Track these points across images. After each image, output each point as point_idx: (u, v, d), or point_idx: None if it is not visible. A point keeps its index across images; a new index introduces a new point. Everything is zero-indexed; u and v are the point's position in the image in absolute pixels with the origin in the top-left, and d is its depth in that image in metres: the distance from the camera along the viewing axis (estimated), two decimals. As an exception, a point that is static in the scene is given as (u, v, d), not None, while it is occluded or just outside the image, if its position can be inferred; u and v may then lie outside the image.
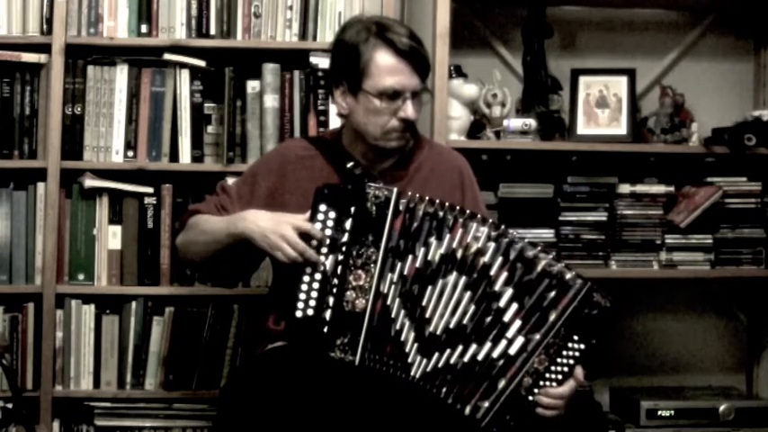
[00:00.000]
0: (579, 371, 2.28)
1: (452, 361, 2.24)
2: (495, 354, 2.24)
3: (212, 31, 3.16)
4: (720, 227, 3.36)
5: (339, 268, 2.26)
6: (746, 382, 3.62)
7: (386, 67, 2.38)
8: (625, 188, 3.34)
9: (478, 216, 2.27)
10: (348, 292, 2.25)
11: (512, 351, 2.24)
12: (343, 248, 2.26)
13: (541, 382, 2.25)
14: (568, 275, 2.24)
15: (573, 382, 2.28)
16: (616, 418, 3.35)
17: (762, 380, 3.60)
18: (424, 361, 2.24)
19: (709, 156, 3.35)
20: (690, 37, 3.61)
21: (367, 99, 2.40)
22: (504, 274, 2.24)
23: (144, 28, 3.14)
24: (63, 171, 3.09)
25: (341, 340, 2.23)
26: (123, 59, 3.13)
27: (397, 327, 2.25)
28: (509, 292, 2.24)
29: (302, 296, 2.26)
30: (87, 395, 3.12)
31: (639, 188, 3.35)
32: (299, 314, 2.25)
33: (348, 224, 2.26)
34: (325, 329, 2.24)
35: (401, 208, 2.26)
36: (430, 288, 2.25)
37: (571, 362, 2.26)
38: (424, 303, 2.25)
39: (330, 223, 2.27)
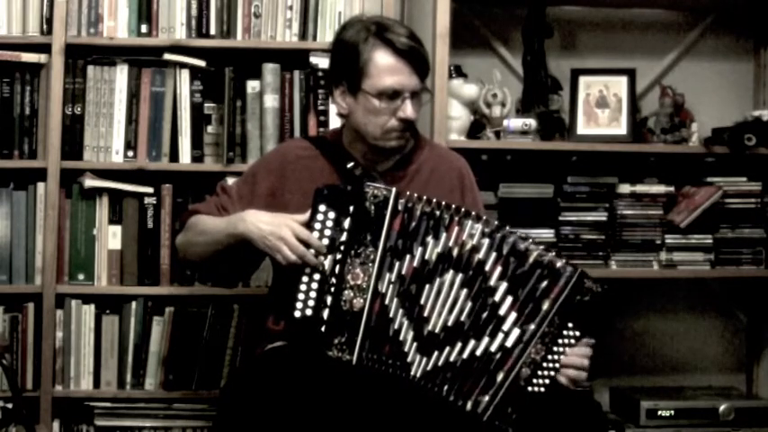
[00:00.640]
0: (586, 341, 2.29)
1: (452, 358, 2.24)
2: (493, 348, 2.24)
3: (212, 31, 3.16)
4: (720, 227, 3.36)
5: (337, 268, 2.26)
6: (746, 382, 3.62)
7: (385, 66, 2.38)
8: (625, 188, 3.34)
9: (473, 213, 2.28)
10: (346, 292, 2.25)
11: (508, 344, 2.24)
12: (342, 248, 2.26)
13: (539, 372, 2.25)
14: (559, 264, 2.24)
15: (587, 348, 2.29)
16: (616, 418, 3.35)
17: (762, 380, 3.60)
18: (424, 360, 2.25)
19: (709, 156, 3.35)
20: (690, 37, 3.61)
21: (366, 99, 2.40)
22: (499, 269, 2.24)
23: (144, 28, 3.14)
24: (63, 171, 3.09)
25: (338, 339, 2.24)
26: (123, 59, 3.13)
27: (396, 326, 2.25)
28: (503, 285, 2.24)
29: (301, 296, 2.26)
30: (87, 395, 3.12)
31: (639, 188, 3.35)
32: (297, 314, 2.26)
33: (347, 224, 2.26)
34: (323, 329, 2.24)
35: (400, 208, 2.26)
36: (428, 287, 2.25)
37: (567, 350, 2.26)
38: (422, 302, 2.25)
39: (329, 223, 2.27)
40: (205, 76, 3.15)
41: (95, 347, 3.13)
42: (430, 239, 2.25)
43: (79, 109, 3.11)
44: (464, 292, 2.25)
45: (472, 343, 2.24)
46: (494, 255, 2.25)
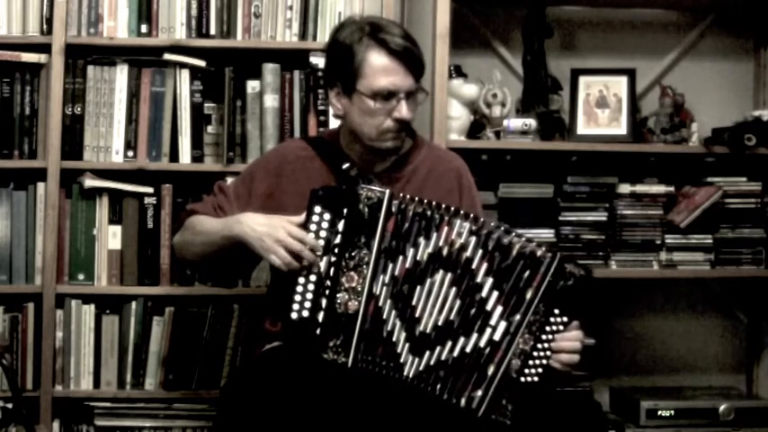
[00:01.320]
0: (574, 325, 2.28)
1: (443, 357, 2.25)
2: (482, 343, 2.25)
3: (212, 31, 3.16)
4: (720, 227, 3.36)
5: (332, 270, 2.26)
6: (746, 382, 3.62)
7: (379, 67, 2.38)
8: (625, 188, 3.34)
9: (462, 212, 2.28)
10: (340, 294, 2.25)
11: (496, 337, 2.24)
12: (336, 250, 2.26)
13: (530, 361, 2.26)
14: (539, 252, 2.24)
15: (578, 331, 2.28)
16: (616, 418, 3.35)
17: (762, 380, 3.60)
18: (416, 360, 2.25)
19: (709, 156, 3.35)
20: (690, 37, 3.61)
21: (361, 100, 2.40)
22: (485, 265, 2.25)
23: (144, 28, 3.14)
24: (63, 171, 3.09)
25: (333, 342, 2.24)
26: (123, 59, 3.13)
27: (389, 328, 2.25)
28: (489, 281, 2.25)
29: (297, 297, 2.26)
30: (87, 395, 3.12)
31: (639, 188, 3.35)
32: (294, 315, 2.26)
33: (341, 226, 2.26)
34: (318, 331, 2.24)
35: (393, 209, 2.26)
36: (419, 288, 2.25)
37: (557, 336, 2.26)
38: (413, 303, 2.25)
39: (325, 225, 2.27)
40: (205, 76, 3.15)
41: (95, 347, 3.13)
42: (422, 240, 2.26)
43: (79, 109, 3.11)
44: (453, 290, 2.25)
45: (462, 340, 2.25)
46: (480, 251, 2.25)
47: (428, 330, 2.25)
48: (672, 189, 3.36)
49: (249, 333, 3.09)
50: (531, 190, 3.30)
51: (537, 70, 3.36)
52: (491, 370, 2.24)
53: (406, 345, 2.25)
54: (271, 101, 3.14)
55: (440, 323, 2.25)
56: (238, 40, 3.17)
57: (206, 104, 3.16)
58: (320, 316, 2.25)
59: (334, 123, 3.02)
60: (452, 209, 2.27)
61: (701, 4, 3.56)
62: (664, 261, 3.34)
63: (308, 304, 2.26)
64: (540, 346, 2.26)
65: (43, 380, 3.07)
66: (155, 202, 3.14)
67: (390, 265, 2.26)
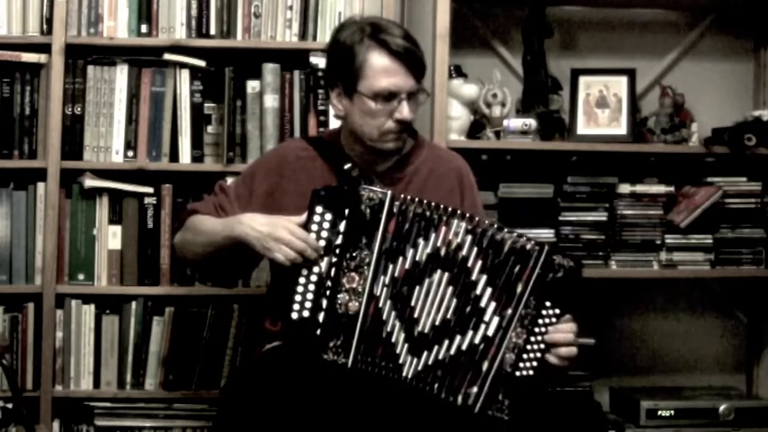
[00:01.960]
0: (566, 318, 2.28)
1: (441, 356, 2.25)
2: (477, 340, 2.25)
3: (212, 31, 3.16)
4: (720, 227, 3.36)
5: (333, 270, 2.26)
6: (746, 382, 3.63)
7: (380, 68, 2.37)
8: (625, 188, 3.34)
9: (459, 212, 2.28)
10: (341, 295, 2.25)
11: (490, 333, 2.25)
12: (338, 251, 2.26)
13: (524, 355, 2.26)
14: (528, 246, 2.25)
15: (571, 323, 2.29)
16: (616, 418, 3.35)
17: (762, 380, 3.60)
18: (415, 360, 2.25)
19: (709, 156, 3.35)
20: (690, 37, 3.61)
21: (362, 101, 2.40)
22: (479, 263, 2.25)
23: (144, 28, 3.14)
24: (63, 171, 3.09)
25: (334, 343, 2.24)
26: (123, 59, 3.13)
27: (388, 328, 2.25)
28: (484, 278, 2.25)
29: (298, 297, 2.26)
30: (87, 395, 3.12)
31: (639, 188, 3.35)
32: (294, 315, 2.26)
33: (342, 227, 2.26)
34: (318, 332, 2.24)
35: (395, 210, 2.26)
36: (417, 288, 2.26)
37: (550, 329, 2.26)
38: (412, 304, 2.26)
39: (326, 225, 2.27)
40: (205, 76, 3.15)
41: (95, 347, 3.13)
42: (421, 241, 2.26)
43: (79, 109, 3.11)
44: (450, 289, 2.25)
45: (458, 338, 2.25)
46: (475, 250, 2.25)
47: (426, 330, 2.26)
48: (672, 189, 3.36)
49: (249, 333, 3.09)
50: (531, 190, 3.30)
51: (537, 70, 3.36)
52: (485, 366, 2.25)
53: (405, 345, 2.25)
54: (271, 101, 3.14)
55: (437, 323, 2.26)
56: (238, 40, 3.17)
57: (206, 104, 3.16)
58: (321, 316, 2.25)
59: (334, 123, 3.02)
60: (450, 209, 2.27)
61: (701, 4, 3.56)
62: (664, 261, 3.34)
63: (308, 304, 2.26)
64: (533, 339, 2.26)
65: (43, 380, 3.07)
66: (155, 202, 3.14)
67: (390, 266, 2.26)
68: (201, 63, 3.13)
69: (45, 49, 3.09)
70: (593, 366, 3.34)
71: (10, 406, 3.04)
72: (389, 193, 2.27)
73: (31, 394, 3.07)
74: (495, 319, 2.25)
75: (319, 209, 2.27)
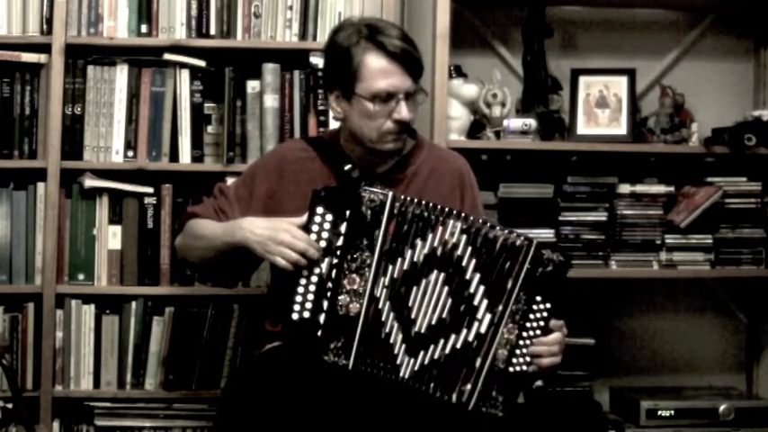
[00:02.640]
0: (555, 323, 2.29)
1: (436, 356, 2.26)
2: (470, 337, 2.26)
3: (212, 31, 3.16)
4: (720, 227, 3.36)
5: (334, 272, 2.26)
6: (746, 382, 3.63)
7: (377, 69, 2.37)
8: (625, 188, 3.34)
9: (455, 212, 2.28)
10: (342, 296, 2.25)
11: (482, 330, 2.26)
12: (338, 252, 2.26)
13: (517, 351, 2.27)
14: (518, 242, 2.26)
15: (557, 333, 2.30)
16: (616, 418, 3.35)
17: (762, 380, 3.60)
18: (412, 360, 2.26)
19: (709, 156, 3.35)
20: (690, 37, 3.61)
21: (360, 103, 2.39)
22: (474, 261, 2.26)
23: (144, 28, 3.14)
24: (63, 171, 3.09)
25: (334, 344, 2.24)
26: (123, 59, 3.13)
27: (387, 330, 2.26)
28: (477, 276, 2.26)
29: (298, 298, 2.26)
30: (87, 395, 3.12)
31: (639, 188, 3.35)
32: (294, 316, 2.26)
33: (343, 228, 2.26)
34: (319, 333, 2.24)
35: (395, 212, 2.26)
36: (415, 289, 2.26)
37: (541, 323, 2.27)
38: (410, 304, 2.26)
39: (327, 226, 2.27)
40: (205, 76, 3.15)
41: (95, 347, 3.13)
42: (419, 241, 2.26)
43: (79, 109, 3.11)
44: (446, 289, 2.26)
45: (453, 337, 2.26)
46: (469, 249, 2.26)
47: (423, 330, 2.26)
48: (672, 189, 3.36)
49: (249, 333, 3.09)
50: (531, 190, 3.30)
51: (537, 70, 3.36)
52: (478, 363, 2.26)
53: (403, 346, 2.26)
54: (271, 101, 3.14)
55: (433, 322, 2.26)
56: (238, 40, 3.17)
57: (206, 104, 3.16)
58: (321, 317, 2.25)
59: (334, 123, 3.01)
60: (446, 209, 2.28)
61: (701, 4, 3.56)
62: (664, 261, 3.34)
63: (309, 305, 2.26)
64: (525, 334, 2.27)
65: (43, 380, 3.07)
66: (155, 202, 3.14)
67: (390, 267, 2.26)
68: (201, 63, 3.13)
69: (45, 49, 3.09)
70: (593, 366, 3.34)
71: (10, 406, 3.04)
72: (390, 194, 2.27)
73: (31, 394, 3.07)
74: (488, 316, 2.26)
75: (320, 210, 2.27)
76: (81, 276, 3.13)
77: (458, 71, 3.28)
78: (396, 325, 2.26)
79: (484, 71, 3.39)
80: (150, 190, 3.14)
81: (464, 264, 2.26)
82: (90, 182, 3.10)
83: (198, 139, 3.15)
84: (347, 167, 2.47)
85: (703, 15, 3.60)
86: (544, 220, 3.30)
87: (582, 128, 3.36)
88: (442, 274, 2.26)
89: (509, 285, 2.25)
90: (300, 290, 2.26)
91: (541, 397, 3.22)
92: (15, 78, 3.10)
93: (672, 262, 3.34)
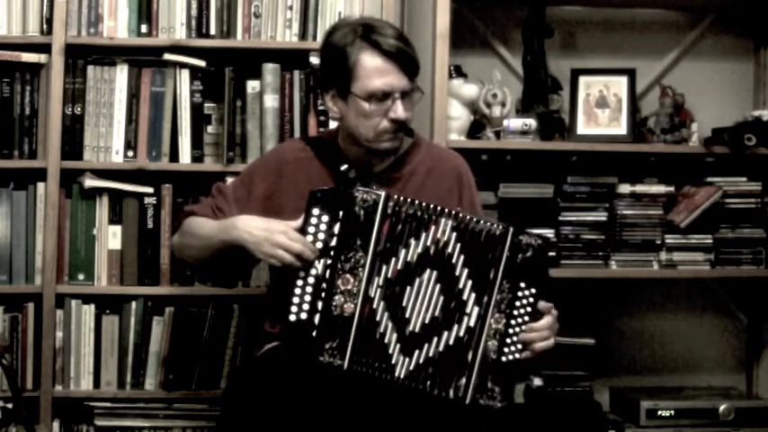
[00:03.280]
0: (544, 305, 2.30)
1: (431, 354, 2.26)
2: (462, 332, 2.27)
3: (212, 31, 3.16)
4: (720, 227, 3.36)
5: (328, 272, 2.26)
6: (746, 382, 3.63)
7: (373, 68, 2.37)
8: (625, 188, 3.34)
9: (446, 210, 2.29)
10: (337, 297, 2.25)
11: (471, 323, 2.26)
12: (332, 253, 2.26)
13: (507, 340, 2.28)
14: (498, 231, 2.27)
15: (546, 316, 2.31)
16: (616, 418, 3.35)
17: (762, 380, 3.60)
18: (407, 360, 2.26)
19: (710, 156, 3.35)
20: (690, 37, 3.61)
21: (356, 102, 2.39)
22: (462, 257, 2.27)
23: (144, 28, 3.14)
24: (63, 171, 3.09)
25: (329, 345, 2.24)
26: (123, 59, 3.13)
27: (381, 329, 2.26)
28: (466, 271, 2.27)
29: (296, 299, 2.26)
30: (87, 395, 3.12)
31: (639, 188, 3.35)
32: (292, 318, 2.26)
33: (337, 228, 2.26)
34: (314, 334, 2.24)
35: (389, 212, 2.27)
36: (409, 288, 2.27)
37: (528, 309, 2.28)
38: (404, 304, 2.26)
39: (323, 227, 2.27)
40: (205, 76, 3.15)
41: (95, 347, 3.13)
42: (412, 241, 2.27)
43: (79, 109, 3.11)
44: (438, 287, 2.27)
45: (445, 334, 2.27)
46: (459, 245, 2.27)
47: (417, 330, 2.27)
48: (672, 189, 3.36)
49: (249, 333, 3.09)
50: (531, 190, 3.30)
51: (537, 70, 3.36)
52: (470, 356, 2.26)
53: (397, 346, 2.26)
54: (271, 101, 3.14)
55: (427, 321, 2.27)
56: (238, 40, 3.17)
57: (206, 104, 3.16)
58: (316, 318, 2.25)
59: (334, 123, 3.02)
60: (439, 208, 2.28)
61: (701, 4, 3.56)
62: (664, 261, 3.34)
63: (306, 306, 2.26)
64: (513, 322, 2.28)
65: (43, 380, 3.07)
66: (155, 202, 3.14)
67: (384, 267, 2.26)
68: (201, 63, 3.13)
69: (45, 49, 3.09)
70: (593, 366, 3.34)
71: (10, 406, 3.04)
72: (383, 194, 2.27)
73: (31, 394, 3.07)
74: (476, 309, 2.27)
75: (316, 210, 2.27)
76: (81, 276, 3.13)
77: (458, 71, 3.28)
78: (390, 325, 2.26)
79: (484, 71, 3.39)
80: (150, 190, 3.14)
81: (454, 260, 2.27)
82: (90, 182, 3.10)
83: (198, 139, 3.15)
84: (344, 168, 2.47)
85: (703, 15, 3.60)
86: (544, 220, 3.29)
87: (582, 128, 3.36)
88: (435, 273, 2.27)
89: (491, 275, 2.26)
90: (298, 291, 2.26)
91: (541, 397, 3.23)
92: (15, 78, 3.10)
93: (672, 262, 3.34)
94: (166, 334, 3.13)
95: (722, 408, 3.26)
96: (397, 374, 2.26)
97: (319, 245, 2.27)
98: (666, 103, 3.40)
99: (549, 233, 3.28)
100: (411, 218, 2.27)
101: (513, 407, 3.08)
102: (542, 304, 2.30)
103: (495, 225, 2.28)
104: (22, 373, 3.08)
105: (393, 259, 2.26)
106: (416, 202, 2.28)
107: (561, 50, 3.53)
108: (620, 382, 3.55)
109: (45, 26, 3.10)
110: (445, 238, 2.27)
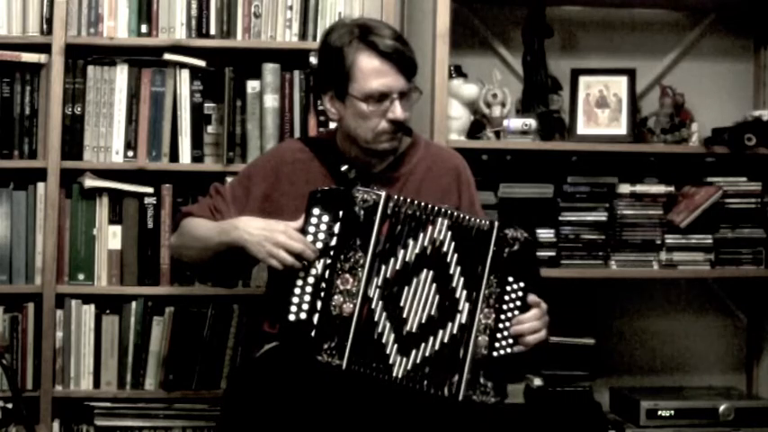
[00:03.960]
0: (533, 299, 2.31)
1: (427, 353, 2.27)
2: (455, 330, 2.28)
3: (212, 31, 3.16)
4: (720, 227, 3.36)
5: (328, 272, 2.26)
6: (746, 382, 3.62)
7: (370, 70, 2.37)
8: (625, 188, 3.34)
9: (443, 210, 2.29)
10: (336, 297, 2.25)
11: (463, 320, 2.28)
12: (332, 253, 2.26)
13: (498, 334, 2.29)
14: (485, 226, 2.28)
15: (535, 309, 2.31)
16: (616, 418, 3.35)
17: (762, 380, 3.60)
18: (404, 360, 2.26)
19: (710, 156, 3.35)
20: (690, 37, 3.61)
21: (354, 103, 2.39)
22: (456, 256, 2.28)
23: (144, 28, 3.14)
24: (63, 171, 3.09)
25: (328, 344, 2.24)
26: (123, 59, 3.13)
27: (380, 330, 2.26)
28: (458, 269, 2.28)
29: (295, 300, 2.26)
30: (87, 395, 3.12)
31: (639, 188, 3.34)
32: (291, 317, 2.26)
33: (336, 228, 2.26)
34: (313, 333, 2.24)
35: (388, 212, 2.27)
36: (406, 288, 2.27)
37: (518, 303, 2.30)
38: (401, 304, 2.27)
39: (323, 227, 2.27)
40: (205, 76, 3.15)
41: (95, 347, 3.13)
42: (410, 241, 2.28)
43: (79, 109, 3.12)
44: (434, 287, 2.28)
45: (440, 333, 2.28)
46: (453, 244, 2.28)
47: (414, 329, 2.27)
48: (672, 189, 3.36)
49: (249, 333, 3.09)
50: (531, 190, 3.30)
51: (537, 70, 3.36)
52: (461, 353, 2.27)
53: (395, 346, 2.27)
54: (271, 101, 3.14)
55: (423, 320, 2.27)
56: (238, 40, 3.17)
57: (206, 104, 3.16)
58: (315, 318, 2.25)
59: (334, 124, 3.02)
60: (437, 208, 2.29)
61: (701, 4, 3.56)
62: (664, 261, 3.34)
63: (305, 306, 2.26)
64: (503, 317, 2.29)
65: (43, 380, 3.07)
66: (155, 202, 3.14)
67: (383, 268, 2.27)
68: (201, 63, 3.13)
69: (45, 49, 3.09)
70: (593, 366, 3.34)
71: (10, 406, 3.04)
72: (383, 194, 2.27)
73: (31, 394, 3.07)
74: (467, 306, 2.28)
75: (316, 210, 2.27)
76: (81, 276, 3.13)
77: (458, 71, 3.28)
78: (388, 325, 2.26)
79: (484, 71, 3.39)
80: (150, 190, 3.14)
81: (448, 259, 2.28)
82: (90, 182, 3.10)
83: (198, 139, 3.15)
84: (343, 168, 2.47)
85: (703, 15, 3.60)
86: (544, 220, 3.29)
87: (582, 128, 3.36)
88: (431, 273, 2.28)
89: (479, 271, 2.28)
90: (297, 291, 2.26)
91: (541, 397, 3.23)
92: (15, 78, 3.10)
93: (672, 262, 3.34)
94: (166, 334, 3.13)
95: (722, 408, 3.26)
96: (394, 374, 2.26)
97: (319, 245, 2.27)
98: (666, 103, 3.40)
99: (549, 233, 3.29)
100: (410, 218, 2.27)
101: (513, 407, 3.10)
102: (532, 298, 2.31)
103: (483, 221, 2.29)
104: (22, 373, 3.08)
105: (392, 259, 2.26)
106: (415, 202, 2.28)
107: (561, 50, 3.53)
108: (620, 382, 3.55)
109: (45, 26, 3.10)
110: (441, 238, 2.28)
